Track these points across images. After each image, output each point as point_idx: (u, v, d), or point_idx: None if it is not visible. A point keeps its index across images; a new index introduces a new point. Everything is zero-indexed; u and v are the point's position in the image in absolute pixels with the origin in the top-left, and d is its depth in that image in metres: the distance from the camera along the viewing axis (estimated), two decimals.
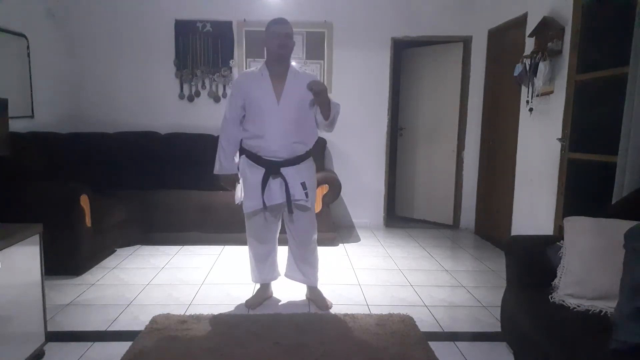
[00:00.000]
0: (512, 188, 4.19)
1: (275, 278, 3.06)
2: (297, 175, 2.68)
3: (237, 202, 2.87)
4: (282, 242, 2.99)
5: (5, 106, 2.36)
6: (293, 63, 2.83)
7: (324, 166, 4.88)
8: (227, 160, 2.74)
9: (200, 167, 4.59)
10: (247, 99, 2.66)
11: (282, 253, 3.06)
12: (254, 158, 2.70)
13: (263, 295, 3.01)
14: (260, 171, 2.68)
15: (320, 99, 2.58)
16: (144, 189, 4.36)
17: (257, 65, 2.78)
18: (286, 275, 3.05)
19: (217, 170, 2.78)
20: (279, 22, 2.66)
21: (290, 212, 2.72)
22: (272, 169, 2.66)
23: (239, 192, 2.84)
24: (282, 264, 3.07)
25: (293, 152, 2.67)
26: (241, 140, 2.75)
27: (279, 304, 3.00)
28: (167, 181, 4.50)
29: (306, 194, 2.70)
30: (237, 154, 2.79)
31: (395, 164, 5.69)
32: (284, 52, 2.64)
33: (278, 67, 2.67)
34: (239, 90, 2.70)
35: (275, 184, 2.67)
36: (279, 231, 2.93)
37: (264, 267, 2.95)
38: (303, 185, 2.69)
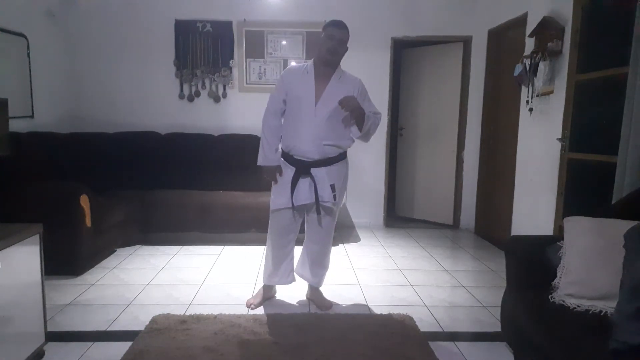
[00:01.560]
0: (512, 188, 4.19)
1: (289, 282, 2.98)
2: (326, 177, 2.67)
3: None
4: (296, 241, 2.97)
5: (5, 106, 2.35)
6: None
7: None
8: (270, 152, 2.72)
9: (200, 167, 4.61)
10: (289, 95, 2.67)
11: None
12: (286, 156, 2.71)
13: (266, 295, 2.99)
14: (291, 170, 2.68)
15: (353, 115, 2.58)
16: (144, 189, 4.35)
17: (306, 62, 2.77)
18: (296, 271, 3.03)
19: (260, 161, 2.75)
20: (337, 25, 2.64)
21: (319, 213, 2.71)
22: (302, 168, 2.66)
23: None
24: None
25: (324, 154, 2.66)
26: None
27: (279, 304, 2.99)
28: (167, 181, 4.49)
29: (334, 197, 2.69)
30: (280, 147, 2.77)
31: (395, 164, 5.69)
32: (333, 58, 2.64)
33: (324, 68, 2.67)
34: (283, 84, 2.71)
35: (304, 183, 2.67)
36: (297, 232, 2.90)
37: (279, 269, 2.92)
38: (332, 187, 2.68)
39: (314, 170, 2.66)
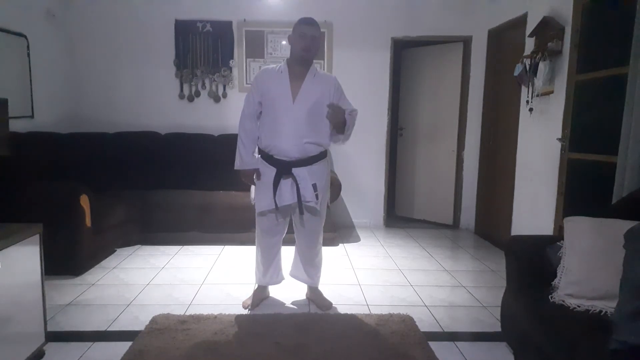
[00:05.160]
0: (512, 188, 4.19)
1: (279, 282, 3.02)
2: (308, 177, 2.65)
3: (252, 201, 2.86)
4: (287, 242, 2.98)
5: (5, 106, 2.35)
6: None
7: None
8: (247, 155, 2.71)
9: (200, 167, 4.61)
10: (264, 96, 2.66)
11: (286, 253, 3.06)
12: (267, 157, 2.69)
13: (260, 296, 3.00)
14: (272, 171, 2.66)
15: (333, 123, 2.59)
16: (144, 189, 4.35)
17: (278, 63, 2.75)
18: (290, 274, 3.05)
19: (237, 165, 2.75)
20: (308, 22, 2.63)
21: (301, 213, 2.70)
22: (283, 169, 2.64)
23: (254, 192, 2.84)
24: (285, 263, 3.06)
25: (305, 153, 2.64)
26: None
27: (279, 304, 2.99)
28: (167, 181, 4.50)
29: (316, 196, 2.67)
30: (257, 150, 2.76)
31: (395, 164, 5.69)
32: (308, 55, 2.63)
33: (299, 67, 2.66)
34: (257, 86, 2.70)
35: (286, 184, 2.66)
36: (285, 233, 2.92)
37: (268, 269, 2.94)
38: (314, 186, 2.66)
39: (295, 170, 2.64)
